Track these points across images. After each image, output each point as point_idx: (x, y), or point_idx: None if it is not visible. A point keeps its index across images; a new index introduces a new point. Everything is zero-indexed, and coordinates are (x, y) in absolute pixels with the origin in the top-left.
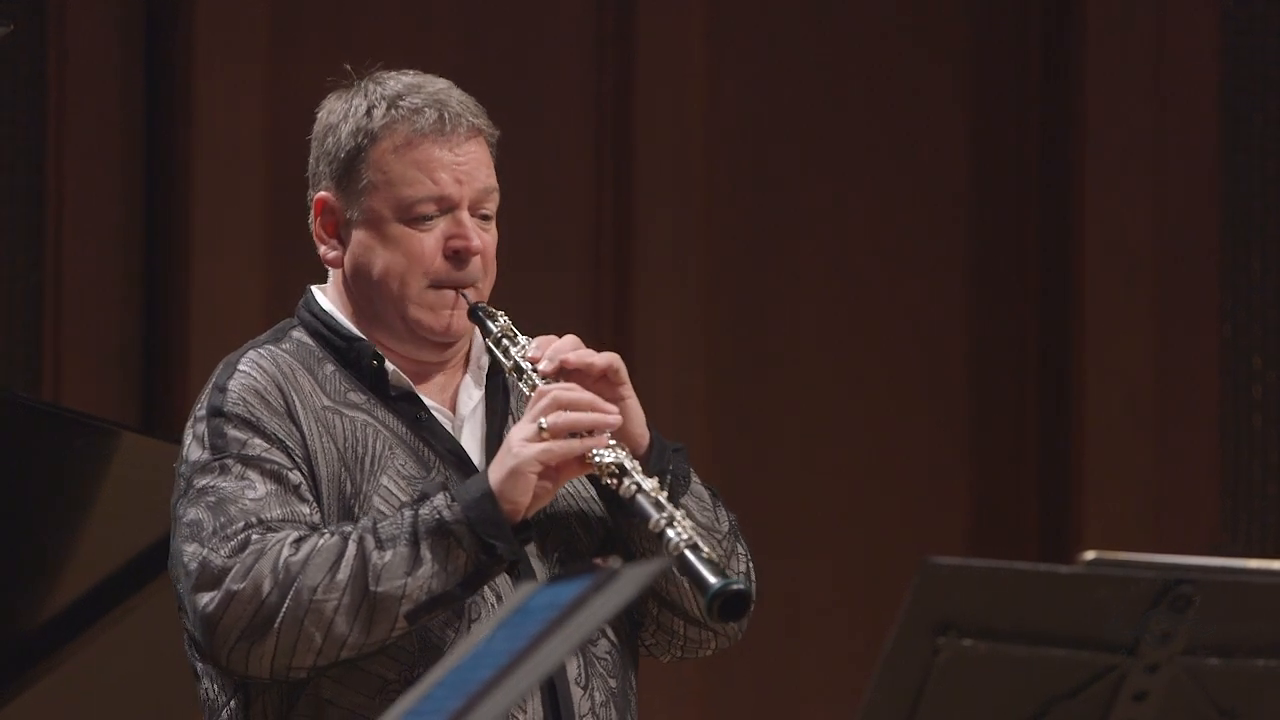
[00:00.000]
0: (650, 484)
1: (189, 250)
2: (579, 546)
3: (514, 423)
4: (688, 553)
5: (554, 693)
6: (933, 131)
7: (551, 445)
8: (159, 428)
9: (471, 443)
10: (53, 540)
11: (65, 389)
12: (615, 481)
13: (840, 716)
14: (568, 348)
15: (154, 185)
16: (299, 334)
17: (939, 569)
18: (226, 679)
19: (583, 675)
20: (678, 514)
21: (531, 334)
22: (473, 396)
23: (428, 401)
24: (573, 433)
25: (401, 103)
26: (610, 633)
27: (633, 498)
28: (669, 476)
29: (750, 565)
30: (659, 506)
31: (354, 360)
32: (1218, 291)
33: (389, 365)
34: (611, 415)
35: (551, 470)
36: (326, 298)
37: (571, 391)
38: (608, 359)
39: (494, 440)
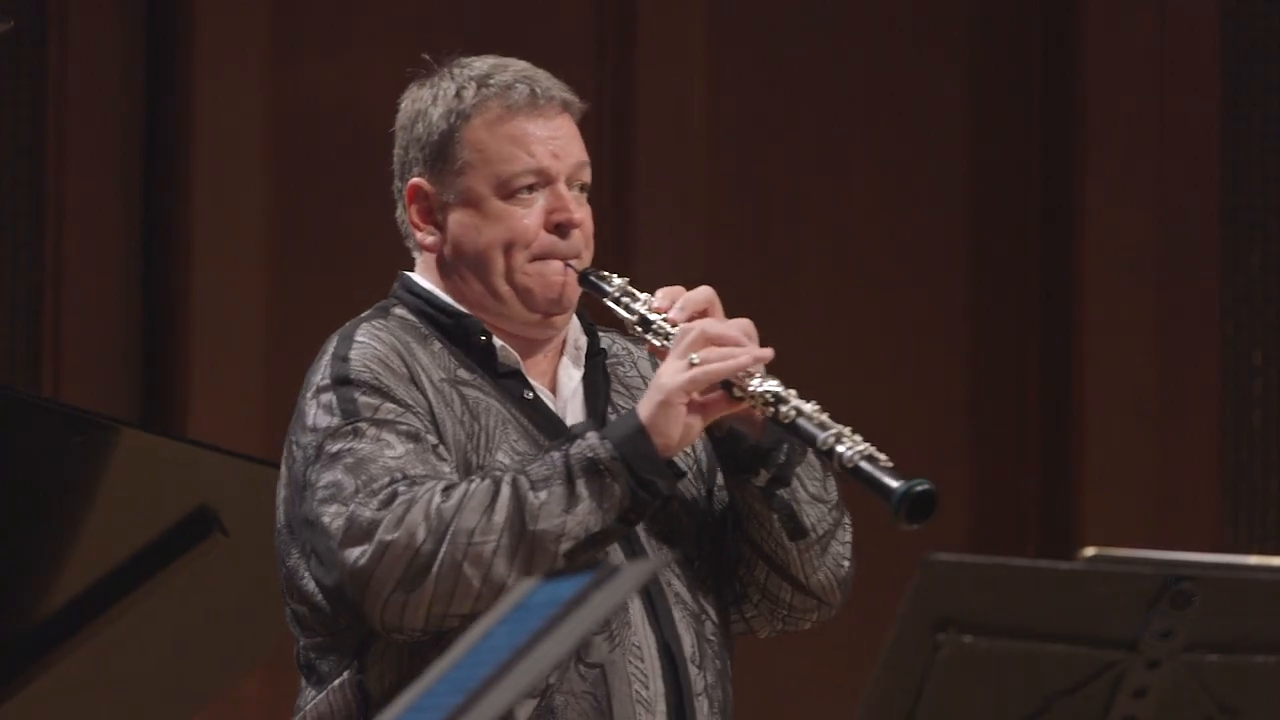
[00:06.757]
0: (811, 406)
1: (189, 249)
2: (680, 528)
3: (614, 405)
4: (864, 464)
5: (674, 668)
6: (933, 131)
7: (696, 372)
8: (159, 426)
9: (574, 423)
10: (52, 536)
11: (65, 387)
12: (772, 409)
13: (841, 713)
14: (700, 301)
15: (154, 184)
16: (401, 311)
17: (940, 565)
18: (344, 651)
19: (697, 654)
20: (845, 429)
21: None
22: (572, 378)
23: (532, 381)
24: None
25: (491, 81)
26: (714, 615)
27: (793, 422)
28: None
29: (849, 540)
30: (824, 426)
31: (461, 337)
32: (1218, 288)
33: (497, 341)
34: (763, 350)
35: (699, 404)
36: (425, 281)
37: (720, 325)
38: (740, 323)
39: (596, 421)
